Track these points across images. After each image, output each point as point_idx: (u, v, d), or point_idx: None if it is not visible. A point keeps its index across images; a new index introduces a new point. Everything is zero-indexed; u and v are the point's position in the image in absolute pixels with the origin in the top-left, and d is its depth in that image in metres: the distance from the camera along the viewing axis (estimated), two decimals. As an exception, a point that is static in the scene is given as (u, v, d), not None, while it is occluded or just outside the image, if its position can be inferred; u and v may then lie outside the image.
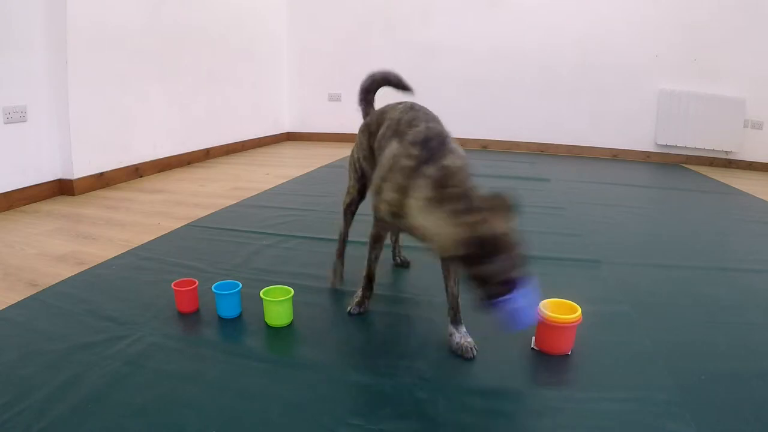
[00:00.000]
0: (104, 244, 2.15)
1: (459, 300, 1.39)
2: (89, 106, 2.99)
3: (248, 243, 2.16)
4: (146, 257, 2.00)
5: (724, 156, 4.73)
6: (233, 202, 2.85)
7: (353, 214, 1.72)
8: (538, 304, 1.32)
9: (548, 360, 1.34)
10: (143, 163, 3.50)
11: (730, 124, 4.54)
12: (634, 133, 4.87)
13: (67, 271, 1.84)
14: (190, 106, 3.97)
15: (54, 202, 2.82)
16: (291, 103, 5.51)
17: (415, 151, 1.23)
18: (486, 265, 1.08)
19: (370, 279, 1.55)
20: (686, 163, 4.78)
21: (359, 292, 1.57)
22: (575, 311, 1.35)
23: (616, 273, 1.96)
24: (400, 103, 1.50)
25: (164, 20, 3.60)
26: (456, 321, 1.39)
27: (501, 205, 1.11)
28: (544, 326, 1.35)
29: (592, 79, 4.79)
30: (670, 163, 4.79)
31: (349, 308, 1.56)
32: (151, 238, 2.21)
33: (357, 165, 1.65)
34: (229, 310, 1.52)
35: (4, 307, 1.56)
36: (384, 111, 1.53)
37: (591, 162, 4.69)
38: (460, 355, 1.34)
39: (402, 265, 1.92)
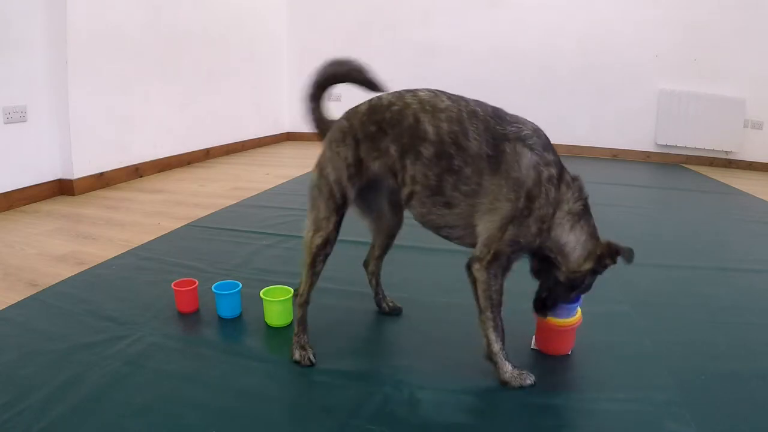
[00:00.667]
0: (104, 244, 2.15)
1: None
2: (89, 106, 2.99)
3: (248, 243, 2.16)
4: (146, 257, 1.99)
5: (724, 156, 4.73)
6: (233, 202, 2.85)
7: (326, 260, 1.28)
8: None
9: (548, 360, 1.34)
10: (143, 163, 3.50)
11: (730, 124, 4.54)
12: (634, 133, 4.87)
13: (67, 271, 1.84)
14: (190, 106, 3.97)
15: (54, 202, 2.82)
16: (291, 103, 5.49)
17: (550, 157, 1.13)
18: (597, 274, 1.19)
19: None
20: (686, 163, 4.78)
21: (511, 368, 1.21)
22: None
23: (616, 273, 1.95)
24: (416, 91, 1.19)
25: (164, 20, 3.60)
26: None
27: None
28: (545, 326, 1.34)
29: (592, 79, 4.78)
30: (670, 163, 4.79)
31: None
32: (151, 238, 2.21)
33: (335, 188, 1.23)
34: (229, 310, 1.52)
35: (4, 307, 1.56)
36: (386, 106, 1.19)
37: (591, 162, 4.69)
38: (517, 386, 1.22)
39: (392, 312, 1.57)
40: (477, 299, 1.20)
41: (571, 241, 1.17)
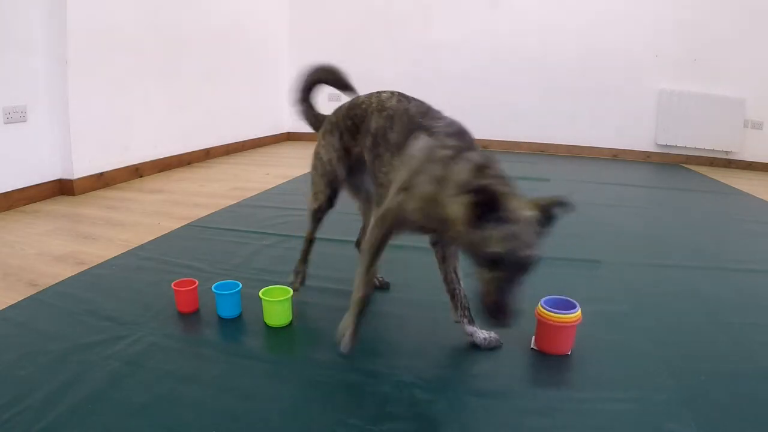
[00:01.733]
0: (104, 244, 2.15)
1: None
2: (89, 106, 2.99)
3: (248, 243, 2.16)
4: (146, 257, 2.00)
5: (724, 156, 4.73)
6: (233, 202, 2.85)
7: (320, 220, 1.62)
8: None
9: (548, 360, 1.34)
10: (143, 163, 3.50)
11: (730, 124, 4.54)
12: (634, 133, 4.87)
13: (67, 271, 1.84)
14: (191, 106, 3.97)
15: (54, 202, 2.82)
16: (291, 103, 5.50)
17: (452, 142, 1.18)
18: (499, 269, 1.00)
19: (365, 304, 1.33)
20: (686, 163, 4.78)
21: (349, 323, 1.33)
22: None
23: (616, 273, 1.96)
24: (381, 93, 1.40)
25: (164, 20, 3.60)
26: (473, 320, 1.40)
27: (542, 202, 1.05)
28: (544, 326, 1.35)
29: (592, 79, 4.78)
30: (670, 163, 4.79)
31: (341, 346, 1.33)
32: (151, 238, 2.21)
33: (327, 167, 1.53)
34: (229, 310, 1.52)
35: (4, 307, 1.56)
36: (359, 104, 1.43)
37: (591, 162, 4.69)
38: (490, 348, 1.37)
39: (382, 287, 1.73)
40: (453, 274, 1.41)
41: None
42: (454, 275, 1.42)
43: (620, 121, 4.86)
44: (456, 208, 1.06)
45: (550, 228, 1.04)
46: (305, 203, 1.65)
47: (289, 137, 5.60)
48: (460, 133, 1.22)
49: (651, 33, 4.58)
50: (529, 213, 1.01)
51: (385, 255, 1.43)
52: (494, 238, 0.98)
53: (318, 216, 1.60)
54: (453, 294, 1.42)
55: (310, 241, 1.68)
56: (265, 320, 1.48)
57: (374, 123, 1.36)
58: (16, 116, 2.65)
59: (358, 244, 1.77)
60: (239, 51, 4.61)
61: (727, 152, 4.71)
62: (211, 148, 4.29)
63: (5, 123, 2.59)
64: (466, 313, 1.41)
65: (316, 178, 1.57)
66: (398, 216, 1.22)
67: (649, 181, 4.13)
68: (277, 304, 1.46)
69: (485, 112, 5.06)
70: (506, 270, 0.99)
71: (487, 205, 0.98)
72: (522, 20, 4.83)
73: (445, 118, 1.28)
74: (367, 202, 1.63)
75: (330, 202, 1.56)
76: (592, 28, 4.68)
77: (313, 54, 6.07)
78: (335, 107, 1.56)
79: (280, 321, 1.46)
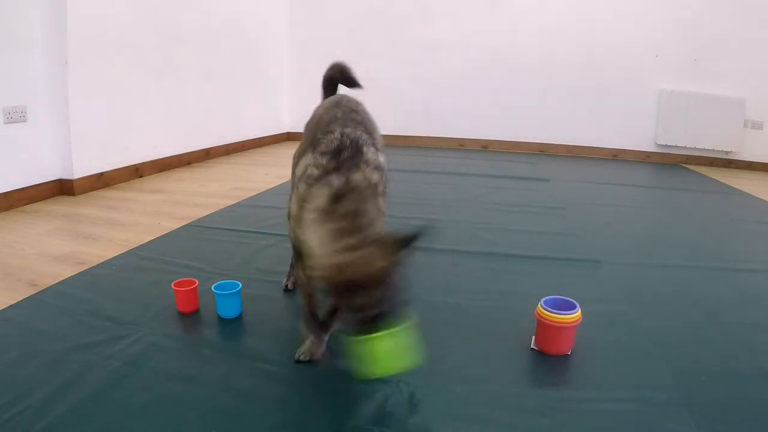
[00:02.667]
0: (104, 244, 2.15)
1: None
2: (89, 106, 2.99)
3: (248, 243, 2.16)
4: (146, 257, 1.99)
5: (724, 156, 4.73)
6: (233, 202, 2.85)
7: None
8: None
9: (548, 360, 1.34)
10: (143, 163, 3.50)
11: (730, 124, 4.54)
12: (634, 133, 4.87)
13: (67, 271, 1.84)
14: (190, 106, 3.97)
15: (54, 202, 2.82)
16: (291, 103, 5.51)
17: (323, 161, 1.15)
18: (354, 296, 0.99)
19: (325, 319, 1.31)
20: (686, 163, 4.78)
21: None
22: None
23: (616, 273, 1.96)
24: (335, 97, 1.45)
25: (165, 20, 3.59)
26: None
27: (391, 239, 1.02)
28: (544, 326, 1.35)
29: (592, 79, 4.78)
30: (670, 163, 4.79)
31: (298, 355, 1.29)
32: (151, 238, 2.21)
33: None
34: (229, 310, 1.52)
35: (4, 307, 1.56)
36: (319, 105, 1.48)
37: (591, 162, 4.69)
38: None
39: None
40: None
41: (314, 239, 1.09)
42: None
43: (620, 121, 4.86)
44: (314, 238, 1.08)
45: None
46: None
47: (289, 137, 5.60)
48: (337, 151, 1.16)
49: (651, 33, 4.58)
50: (383, 261, 1.00)
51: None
52: (365, 305, 1.00)
53: None
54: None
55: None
56: (372, 366, 1.06)
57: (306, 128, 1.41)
58: (16, 116, 2.65)
59: None
60: (239, 51, 4.61)
61: (727, 152, 4.71)
62: (211, 148, 4.29)
63: (5, 123, 2.59)
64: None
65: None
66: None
67: (649, 181, 4.13)
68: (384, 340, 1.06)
69: (485, 112, 5.06)
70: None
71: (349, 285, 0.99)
72: (522, 20, 4.83)
73: (340, 129, 1.22)
74: None
75: None
76: (592, 28, 4.68)
77: (313, 54, 6.09)
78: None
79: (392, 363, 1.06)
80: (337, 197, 1.08)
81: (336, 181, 1.10)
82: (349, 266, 0.99)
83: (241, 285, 1.53)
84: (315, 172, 1.14)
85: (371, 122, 1.37)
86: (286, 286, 1.70)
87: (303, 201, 1.13)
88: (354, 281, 0.98)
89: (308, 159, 1.19)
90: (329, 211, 1.07)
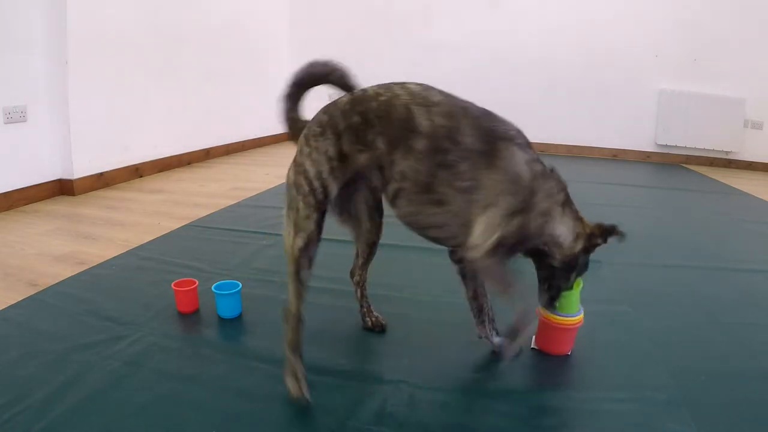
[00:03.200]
0: (104, 244, 2.15)
1: None
2: (89, 106, 2.98)
3: (248, 243, 2.16)
4: (146, 257, 1.99)
5: (724, 156, 4.73)
6: (233, 202, 2.85)
7: (311, 264, 1.15)
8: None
9: (548, 360, 1.34)
10: (143, 163, 3.50)
11: (730, 124, 4.54)
12: (634, 133, 4.87)
13: (67, 271, 1.84)
14: (190, 106, 3.97)
15: (54, 202, 2.82)
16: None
17: (534, 155, 1.13)
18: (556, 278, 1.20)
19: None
20: (686, 163, 4.78)
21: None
22: None
23: (616, 273, 1.96)
24: (404, 84, 1.14)
25: (164, 20, 3.59)
26: (498, 332, 1.38)
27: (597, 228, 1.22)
28: (547, 326, 1.34)
29: (592, 79, 4.78)
30: (670, 163, 4.79)
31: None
32: (151, 238, 2.21)
33: (316, 184, 1.13)
34: (229, 310, 1.52)
35: (4, 307, 1.56)
36: (371, 97, 1.13)
37: (591, 162, 4.69)
38: (516, 355, 1.34)
39: (375, 329, 1.47)
40: (482, 288, 1.32)
41: (563, 230, 1.16)
42: (483, 289, 1.34)
43: (620, 121, 4.86)
44: (572, 239, 1.17)
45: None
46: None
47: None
48: (529, 143, 1.15)
49: (651, 33, 4.58)
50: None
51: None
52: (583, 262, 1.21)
53: (307, 258, 1.14)
54: (481, 309, 1.35)
55: (300, 320, 1.17)
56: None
57: (424, 122, 1.07)
58: (16, 116, 2.64)
59: (352, 273, 1.50)
60: (239, 51, 4.61)
61: (727, 152, 4.71)
62: (211, 148, 4.29)
63: (5, 123, 2.59)
64: (493, 325, 1.37)
65: (297, 201, 1.14)
66: (516, 243, 1.10)
67: (649, 181, 4.13)
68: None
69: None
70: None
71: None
72: (522, 20, 4.83)
73: (508, 122, 1.14)
74: (358, 227, 1.37)
75: (319, 231, 1.15)
76: (592, 28, 4.68)
77: (313, 54, 6.06)
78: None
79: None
80: (563, 185, 1.17)
81: (547, 170, 1.14)
82: (605, 230, 1.18)
83: (241, 285, 1.53)
84: (539, 166, 1.12)
85: None
86: (303, 395, 1.14)
87: (549, 196, 1.12)
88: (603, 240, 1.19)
89: (521, 155, 1.09)
90: (567, 200, 1.17)
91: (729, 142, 4.61)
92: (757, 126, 4.56)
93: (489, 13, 4.87)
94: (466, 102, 1.15)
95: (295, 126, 1.30)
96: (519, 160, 1.08)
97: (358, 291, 1.50)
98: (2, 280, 1.78)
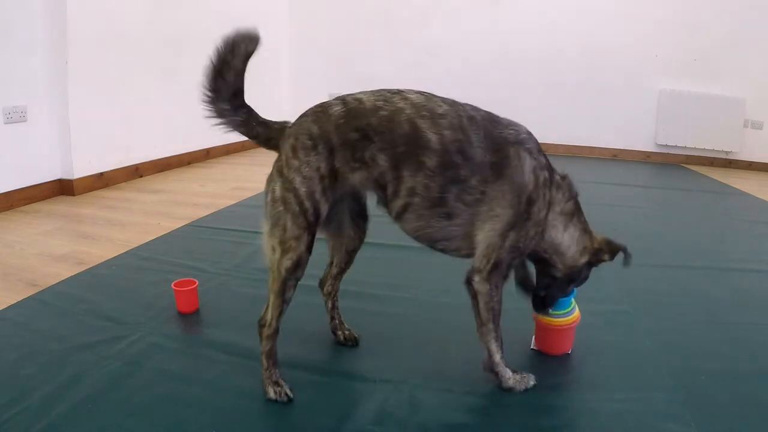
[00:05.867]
0: (104, 244, 2.15)
1: None
2: (89, 106, 2.98)
3: (248, 243, 2.16)
4: (146, 257, 1.99)
5: (724, 156, 4.73)
6: (233, 202, 2.85)
7: (296, 285, 1.12)
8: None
9: (548, 360, 1.34)
10: (143, 163, 3.50)
11: (730, 124, 4.54)
12: (634, 133, 4.87)
13: (67, 271, 1.84)
14: (191, 106, 3.92)
15: (54, 202, 2.81)
16: (291, 102, 5.50)
17: (543, 159, 1.11)
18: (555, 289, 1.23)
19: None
20: (686, 163, 4.78)
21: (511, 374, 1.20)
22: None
23: (616, 273, 1.96)
24: (401, 92, 1.09)
25: (164, 20, 3.59)
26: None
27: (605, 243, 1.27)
28: (543, 329, 1.34)
29: (592, 79, 4.78)
30: (670, 163, 4.79)
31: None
32: (151, 238, 2.21)
33: (307, 204, 1.07)
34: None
35: (4, 307, 1.56)
36: (369, 110, 1.07)
37: (591, 162, 4.69)
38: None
39: (347, 343, 1.40)
40: (478, 312, 1.17)
41: (566, 240, 1.18)
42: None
43: (620, 121, 4.85)
44: (576, 250, 1.20)
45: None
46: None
47: (289, 137, 5.60)
48: (539, 146, 1.14)
49: (651, 33, 4.57)
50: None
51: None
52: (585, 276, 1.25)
53: (294, 279, 1.11)
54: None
55: (275, 331, 1.15)
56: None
57: (433, 136, 1.05)
58: (16, 116, 2.64)
59: (322, 284, 1.42)
60: (239, 51, 4.60)
61: (727, 152, 4.71)
62: (211, 148, 4.29)
63: (5, 123, 2.59)
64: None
65: (285, 219, 1.08)
66: (512, 261, 1.13)
67: (649, 181, 4.13)
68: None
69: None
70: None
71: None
72: (522, 20, 4.82)
73: (516, 124, 1.14)
74: (338, 236, 1.31)
75: (309, 252, 1.10)
76: (592, 28, 4.68)
77: (313, 54, 6.10)
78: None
79: None
80: (572, 194, 1.19)
81: (558, 178, 1.17)
82: (613, 248, 1.23)
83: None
84: (546, 174, 1.12)
85: None
86: (286, 395, 1.14)
87: (549, 206, 1.13)
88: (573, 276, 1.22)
89: (530, 162, 1.08)
90: (575, 209, 1.19)
91: (729, 142, 4.61)
92: (757, 126, 4.55)
93: (489, 12, 4.87)
94: (470, 107, 1.13)
95: (264, 130, 1.20)
96: (527, 168, 1.08)
97: (329, 302, 1.42)
98: (2, 280, 1.78)
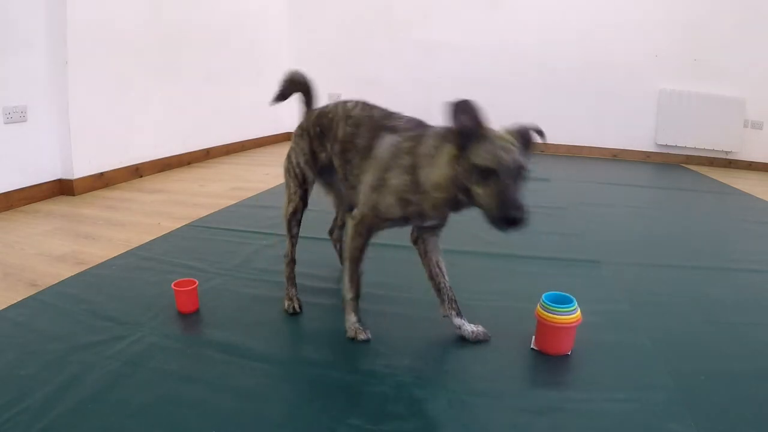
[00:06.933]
0: (104, 244, 2.15)
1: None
2: (89, 106, 2.99)
3: (248, 243, 2.16)
4: (146, 257, 1.99)
5: (724, 156, 4.73)
6: (233, 202, 2.85)
7: (299, 224, 1.63)
8: None
9: (548, 360, 1.34)
10: (143, 163, 3.50)
11: (730, 124, 4.54)
12: (634, 133, 4.87)
13: (67, 271, 1.84)
14: (190, 106, 3.97)
15: (54, 202, 2.82)
16: (291, 103, 5.50)
17: (412, 133, 1.30)
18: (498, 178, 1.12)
19: (357, 297, 1.43)
20: (686, 163, 4.78)
21: (353, 320, 1.42)
22: None
23: (616, 273, 1.96)
24: (346, 102, 1.50)
25: (164, 20, 3.59)
26: (461, 313, 1.44)
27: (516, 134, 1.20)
28: (544, 326, 1.34)
29: (592, 79, 4.78)
30: (670, 163, 4.79)
31: (360, 337, 1.40)
32: (151, 238, 2.21)
33: (297, 170, 1.60)
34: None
35: (4, 307, 1.56)
36: (326, 113, 1.53)
37: (591, 162, 4.69)
38: (477, 341, 1.40)
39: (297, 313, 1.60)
40: (437, 269, 1.46)
41: (432, 171, 1.21)
42: (437, 269, 1.47)
43: (620, 121, 4.85)
44: (440, 162, 1.18)
45: (529, 152, 1.18)
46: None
47: (290, 137, 5.60)
48: (419, 125, 1.33)
49: (651, 33, 4.57)
50: (506, 135, 1.17)
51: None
52: (482, 154, 1.12)
53: (296, 219, 1.63)
54: (439, 288, 1.47)
55: (292, 260, 1.63)
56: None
57: (341, 131, 1.45)
58: (16, 116, 2.64)
59: (330, 232, 1.91)
60: (239, 51, 4.61)
61: (727, 152, 4.71)
62: (211, 148, 4.29)
63: (5, 123, 2.59)
64: (454, 305, 1.45)
65: (289, 180, 1.63)
66: (375, 217, 1.33)
67: (649, 181, 4.13)
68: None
69: (485, 112, 5.06)
70: (503, 179, 1.10)
71: (469, 128, 1.15)
72: (522, 20, 4.83)
73: (402, 117, 1.39)
74: (339, 198, 1.73)
75: (304, 202, 1.61)
76: (593, 29, 4.68)
77: (313, 54, 6.10)
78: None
79: None
80: (445, 136, 1.21)
81: (438, 129, 1.27)
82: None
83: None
84: (410, 143, 1.27)
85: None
86: (294, 309, 1.56)
87: (414, 167, 1.24)
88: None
89: (392, 140, 1.32)
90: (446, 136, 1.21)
91: (729, 142, 4.61)
92: (757, 126, 4.56)
93: (489, 13, 4.87)
94: (382, 112, 1.42)
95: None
96: (384, 143, 1.33)
97: (338, 245, 1.90)
98: (2, 280, 1.78)
